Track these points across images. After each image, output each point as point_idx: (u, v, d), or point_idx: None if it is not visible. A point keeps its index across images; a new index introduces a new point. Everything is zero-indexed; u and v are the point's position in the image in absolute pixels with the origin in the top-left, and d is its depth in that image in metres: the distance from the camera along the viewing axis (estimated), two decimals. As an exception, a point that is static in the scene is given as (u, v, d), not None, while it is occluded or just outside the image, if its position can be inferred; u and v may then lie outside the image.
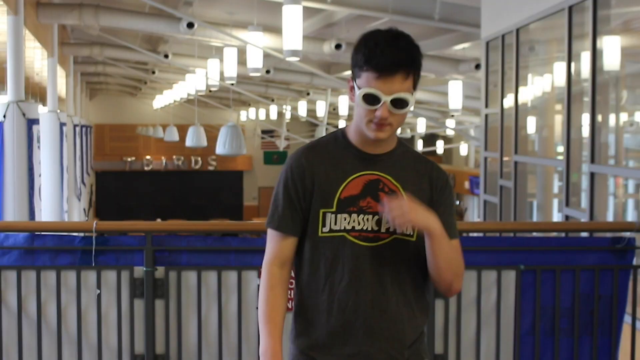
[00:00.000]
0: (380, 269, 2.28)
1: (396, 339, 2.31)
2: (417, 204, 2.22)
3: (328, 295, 2.28)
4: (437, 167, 2.40)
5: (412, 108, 2.22)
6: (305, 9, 8.33)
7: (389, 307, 2.29)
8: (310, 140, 2.57)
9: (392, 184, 2.29)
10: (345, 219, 2.27)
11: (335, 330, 2.29)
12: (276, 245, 2.33)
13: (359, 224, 2.27)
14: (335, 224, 2.27)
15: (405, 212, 2.17)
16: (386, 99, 2.17)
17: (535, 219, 8.07)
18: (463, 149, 25.35)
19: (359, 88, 2.22)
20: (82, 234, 3.60)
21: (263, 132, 27.61)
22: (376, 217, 2.27)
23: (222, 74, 12.73)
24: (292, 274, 2.40)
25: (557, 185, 7.69)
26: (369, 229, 2.27)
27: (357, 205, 2.27)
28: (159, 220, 23.64)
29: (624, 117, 6.45)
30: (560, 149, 6.89)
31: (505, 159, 8.13)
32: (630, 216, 7.30)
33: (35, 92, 14.77)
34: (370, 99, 2.19)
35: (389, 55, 2.17)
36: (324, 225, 2.28)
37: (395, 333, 2.30)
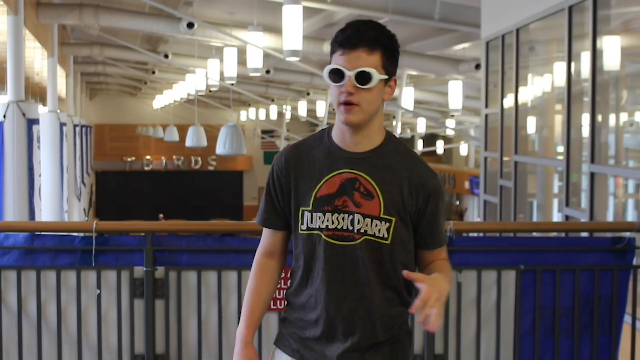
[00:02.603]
0: (352, 268, 2.29)
1: (368, 338, 2.31)
2: (435, 289, 2.13)
3: (307, 290, 2.34)
4: (422, 170, 2.33)
5: (376, 82, 2.21)
6: (305, 9, 8.33)
7: (361, 305, 2.30)
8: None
9: (368, 183, 2.27)
10: (319, 218, 2.29)
11: (312, 325, 2.33)
12: (264, 238, 2.45)
13: (332, 223, 2.28)
14: (312, 222, 2.31)
15: (438, 312, 2.10)
16: (350, 73, 2.19)
17: (535, 219, 8.07)
18: (463, 149, 25.35)
19: None
20: (82, 234, 3.60)
21: (263, 132, 27.61)
22: (350, 217, 2.27)
23: (222, 74, 12.73)
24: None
25: (557, 185, 7.69)
26: (343, 227, 2.28)
27: (332, 204, 2.29)
28: (161, 216, 23.64)
29: (624, 117, 6.45)
30: (560, 149, 6.89)
31: (505, 159, 8.13)
32: (630, 216, 7.30)
33: (35, 92, 14.75)
34: (335, 75, 2.22)
35: (351, 32, 2.22)
36: (302, 222, 2.32)
37: (366, 332, 2.30)
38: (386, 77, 2.25)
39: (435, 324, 2.08)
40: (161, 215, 23.73)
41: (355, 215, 2.27)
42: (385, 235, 2.28)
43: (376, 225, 2.26)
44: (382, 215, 2.26)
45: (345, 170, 2.28)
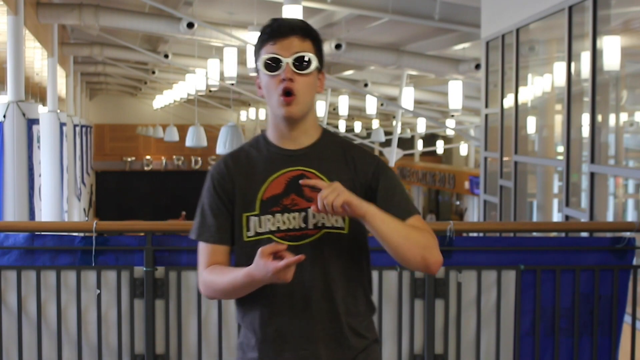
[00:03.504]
0: (311, 267, 2.16)
1: (335, 341, 2.20)
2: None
3: (262, 301, 2.18)
4: (364, 152, 2.28)
5: (314, 67, 2.17)
6: (305, 9, 8.34)
7: (324, 306, 2.18)
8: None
9: (315, 176, 2.19)
10: (269, 220, 2.18)
11: (272, 337, 2.20)
12: (207, 257, 2.24)
13: (284, 224, 2.18)
14: (260, 226, 2.19)
15: (339, 192, 2.05)
16: (287, 59, 2.14)
17: (535, 219, 8.07)
18: (463, 149, 25.37)
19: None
20: (82, 234, 3.60)
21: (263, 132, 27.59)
22: (303, 214, 2.18)
23: (222, 74, 12.74)
24: None
25: (557, 185, 7.69)
26: (296, 227, 2.18)
27: (280, 205, 2.18)
28: (184, 213, 23.50)
29: (624, 117, 6.45)
30: (560, 149, 6.89)
31: (505, 159, 8.13)
32: (630, 216, 7.31)
33: (35, 92, 14.77)
34: (271, 64, 2.15)
35: (281, 22, 2.20)
36: (248, 229, 2.20)
37: (334, 334, 2.20)
38: (319, 66, 2.20)
39: (329, 200, 2.03)
40: (183, 213, 23.59)
41: (309, 210, 2.16)
42: (342, 225, 2.19)
43: (332, 215, 2.14)
44: None
45: (289, 169, 2.20)
